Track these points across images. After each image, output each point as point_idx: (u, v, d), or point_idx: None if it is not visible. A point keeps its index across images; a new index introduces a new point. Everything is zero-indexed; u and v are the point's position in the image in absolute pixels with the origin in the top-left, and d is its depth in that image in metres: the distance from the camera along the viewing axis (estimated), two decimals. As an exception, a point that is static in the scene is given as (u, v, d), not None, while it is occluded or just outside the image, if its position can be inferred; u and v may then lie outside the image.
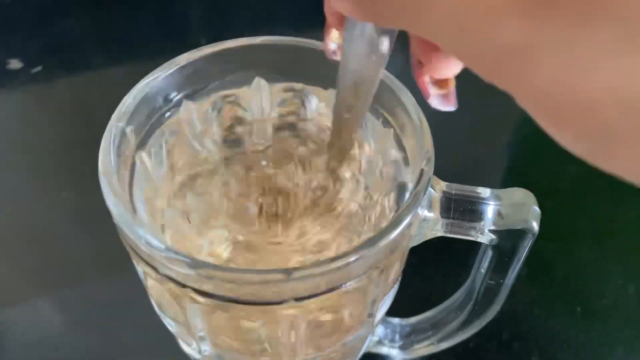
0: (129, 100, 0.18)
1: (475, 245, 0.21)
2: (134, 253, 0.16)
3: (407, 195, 0.17)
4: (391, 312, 0.25)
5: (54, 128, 0.38)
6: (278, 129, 0.22)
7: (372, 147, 0.21)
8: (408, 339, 0.25)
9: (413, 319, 0.25)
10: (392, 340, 0.26)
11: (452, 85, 0.17)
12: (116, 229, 0.16)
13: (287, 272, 0.14)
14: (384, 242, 0.15)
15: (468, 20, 0.10)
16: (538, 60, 0.10)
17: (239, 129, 0.21)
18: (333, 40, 0.18)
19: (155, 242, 0.14)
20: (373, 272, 0.16)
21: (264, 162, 0.22)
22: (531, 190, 0.19)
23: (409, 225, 0.16)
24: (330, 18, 0.16)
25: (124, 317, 0.28)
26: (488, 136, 0.39)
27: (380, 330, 0.26)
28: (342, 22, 0.16)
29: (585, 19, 0.09)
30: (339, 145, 0.19)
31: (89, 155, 0.35)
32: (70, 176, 0.35)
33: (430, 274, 0.30)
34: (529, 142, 0.38)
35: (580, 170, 0.36)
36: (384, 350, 0.26)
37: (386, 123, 0.20)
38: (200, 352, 0.19)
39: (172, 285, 0.15)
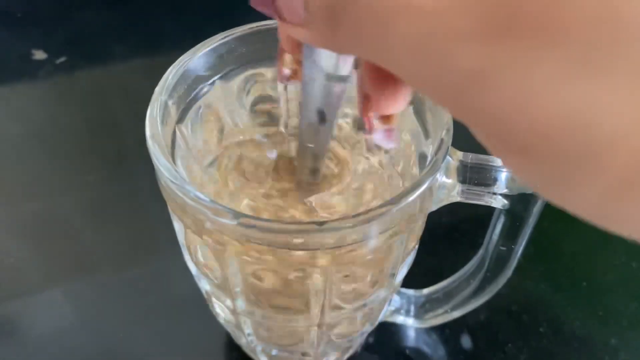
0: (170, 76, 0.19)
1: (484, 222, 0.22)
2: (180, 211, 0.17)
3: (428, 161, 0.18)
4: (406, 285, 0.27)
5: (78, 115, 0.40)
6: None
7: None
8: (422, 309, 0.27)
9: (427, 290, 0.27)
10: (408, 310, 0.27)
11: (396, 122, 0.17)
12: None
13: (320, 223, 0.16)
14: (407, 201, 0.17)
15: (429, 45, 0.10)
16: (495, 85, 0.09)
17: (266, 106, 0.23)
18: (287, 65, 0.18)
19: (202, 196, 0.16)
20: (398, 229, 0.18)
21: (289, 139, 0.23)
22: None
23: (429, 188, 0.18)
24: (284, 43, 0.16)
25: (140, 309, 0.30)
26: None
27: (396, 301, 0.27)
28: (297, 48, 0.15)
29: (543, 43, 0.09)
30: (306, 178, 0.19)
31: (112, 140, 0.37)
32: (94, 160, 0.37)
33: (442, 250, 0.32)
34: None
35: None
36: (400, 319, 0.27)
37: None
38: (234, 309, 0.20)
39: (215, 237, 0.17)
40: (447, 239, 0.33)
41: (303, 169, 0.19)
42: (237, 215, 0.15)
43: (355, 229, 0.16)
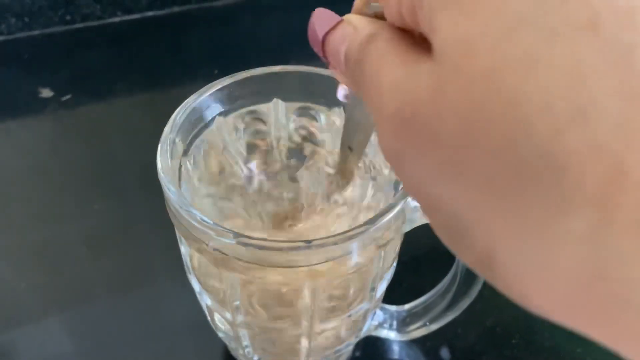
0: (178, 117, 0.22)
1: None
2: (187, 233, 0.20)
3: (400, 188, 0.21)
4: (390, 301, 0.29)
5: (81, 149, 0.42)
6: (293, 143, 0.26)
7: (376, 159, 0.25)
8: (404, 323, 0.29)
9: (407, 306, 0.29)
10: (391, 325, 0.30)
11: None
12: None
13: (308, 242, 0.18)
14: (382, 221, 0.19)
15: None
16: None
17: (260, 142, 0.26)
18: (344, 87, 0.20)
19: (207, 219, 0.19)
20: (376, 246, 0.20)
21: (280, 178, 0.26)
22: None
23: (402, 210, 0.21)
24: (338, 77, 0.17)
25: (138, 336, 0.31)
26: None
27: (379, 316, 0.30)
28: None
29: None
30: (343, 173, 0.22)
31: (112, 172, 0.40)
32: (95, 191, 0.39)
33: (422, 270, 0.34)
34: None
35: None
36: (384, 333, 0.30)
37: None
38: (233, 321, 0.23)
39: (216, 255, 0.19)
40: (427, 259, 0.35)
41: (342, 166, 0.22)
42: (236, 235, 0.18)
43: (338, 246, 0.19)
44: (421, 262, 0.35)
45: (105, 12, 0.51)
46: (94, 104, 0.46)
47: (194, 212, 0.19)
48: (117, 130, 0.44)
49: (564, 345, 0.32)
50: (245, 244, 0.18)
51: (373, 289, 0.23)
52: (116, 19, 0.52)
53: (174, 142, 0.22)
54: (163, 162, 0.20)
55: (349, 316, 0.24)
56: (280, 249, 0.18)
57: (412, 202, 0.22)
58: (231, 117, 0.25)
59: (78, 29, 0.51)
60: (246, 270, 0.20)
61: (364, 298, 0.23)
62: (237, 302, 0.22)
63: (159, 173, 0.20)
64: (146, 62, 0.50)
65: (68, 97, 0.45)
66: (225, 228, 0.18)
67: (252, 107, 0.25)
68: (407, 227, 0.23)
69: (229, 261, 0.19)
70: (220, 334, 0.27)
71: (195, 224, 0.19)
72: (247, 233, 0.18)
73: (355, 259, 0.20)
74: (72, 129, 0.44)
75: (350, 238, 0.19)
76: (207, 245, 0.19)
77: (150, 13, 0.53)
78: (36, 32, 0.50)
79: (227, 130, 0.25)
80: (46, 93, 0.46)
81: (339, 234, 0.19)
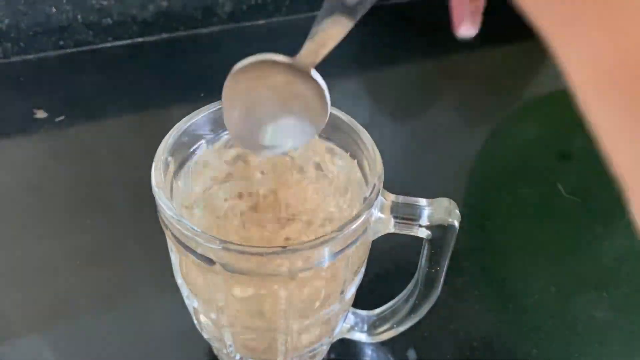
0: (170, 138, 0.25)
1: (418, 254, 0.28)
2: (177, 242, 0.23)
3: (365, 200, 0.24)
4: (362, 307, 0.32)
5: (74, 168, 0.45)
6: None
7: (343, 172, 0.28)
8: (373, 326, 0.32)
9: (376, 310, 0.32)
10: (362, 328, 0.33)
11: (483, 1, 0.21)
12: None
13: (283, 247, 0.21)
14: (349, 228, 0.22)
15: None
16: None
17: (241, 165, 0.29)
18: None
19: (196, 229, 0.21)
20: (344, 254, 0.23)
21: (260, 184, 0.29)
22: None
23: (367, 219, 0.24)
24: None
25: (123, 352, 0.33)
26: (441, 174, 0.47)
27: (351, 319, 0.32)
28: None
29: None
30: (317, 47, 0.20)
31: (102, 191, 0.42)
32: (88, 211, 0.41)
33: (390, 280, 0.37)
34: (473, 176, 0.47)
35: (513, 198, 0.44)
36: (356, 335, 0.33)
37: (353, 156, 0.28)
38: (217, 321, 0.26)
39: (202, 261, 0.22)
40: (396, 271, 0.38)
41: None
42: (222, 241, 0.21)
43: (310, 250, 0.22)
44: (390, 273, 0.38)
45: (96, 38, 0.54)
46: (86, 125, 0.48)
47: (184, 222, 0.22)
48: (107, 150, 0.47)
49: (520, 347, 0.35)
50: (229, 249, 0.21)
51: (342, 292, 0.26)
52: (107, 45, 0.55)
53: (166, 161, 0.25)
54: (157, 177, 0.23)
55: (322, 316, 0.27)
56: (259, 254, 0.21)
57: (377, 213, 0.25)
58: (216, 143, 0.28)
59: (71, 53, 0.54)
60: (229, 275, 0.22)
61: (335, 300, 0.26)
62: (222, 304, 0.24)
63: (153, 187, 0.23)
64: (136, 86, 0.53)
65: (62, 118, 0.48)
66: (212, 235, 0.21)
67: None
68: (374, 236, 0.26)
69: (214, 267, 0.22)
70: (206, 335, 0.29)
71: (186, 232, 0.22)
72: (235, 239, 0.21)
73: (325, 262, 0.23)
74: (65, 149, 0.47)
75: (322, 243, 0.22)
76: (195, 251, 0.22)
77: (139, 39, 0.56)
78: (31, 56, 0.53)
79: (211, 156, 0.28)
80: (41, 114, 0.48)
81: (310, 241, 0.22)
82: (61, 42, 0.54)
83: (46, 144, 0.47)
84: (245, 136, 0.23)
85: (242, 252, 0.21)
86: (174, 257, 0.25)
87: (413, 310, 0.30)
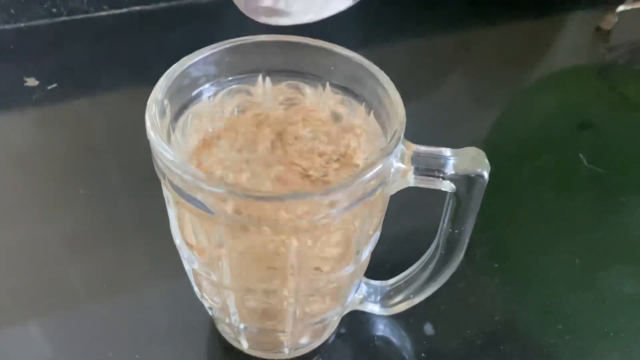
0: (164, 80, 0.23)
1: (439, 217, 0.25)
2: (176, 191, 0.20)
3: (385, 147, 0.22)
4: (375, 277, 0.30)
5: (66, 139, 0.42)
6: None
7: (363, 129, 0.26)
8: (387, 297, 0.30)
9: (391, 280, 0.30)
10: (375, 300, 0.30)
11: None
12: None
13: (293, 193, 0.19)
14: (365, 176, 0.20)
15: None
16: None
17: (247, 110, 0.26)
18: None
19: (199, 173, 0.19)
20: (360, 207, 0.21)
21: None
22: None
23: (387, 168, 0.21)
24: None
25: (123, 339, 0.30)
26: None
27: (363, 290, 0.30)
28: None
29: None
30: None
31: (95, 166, 0.39)
32: (76, 186, 0.38)
33: (404, 251, 0.35)
34: (492, 148, 0.44)
35: (532, 169, 0.42)
36: (368, 307, 0.30)
37: (369, 107, 0.25)
38: (219, 282, 0.23)
39: (204, 210, 0.20)
40: (409, 240, 0.36)
41: None
42: (226, 185, 0.19)
43: (321, 198, 0.19)
44: (404, 243, 0.36)
45: (91, 6, 0.52)
46: (79, 94, 0.46)
47: (184, 165, 0.19)
48: (102, 121, 0.44)
49: (544, 322, 0.32)
50: (234, 193, 0.19)
51: (358, 252, 0.24)
52: (103, 13, 0.53)
53: (162, 104, 0.22)
54: (151, 119, 0.21)
55: (335, 279, 0.24)
56: (266, 198, 0.19)
57: (397, 163, 0.22)
58: (218, 90, 0.26)
59: (64, 22, 0.52)
60: (232, 226, 0.20)
61: (350, 261, 0.24)
62: (224, 261, 0.22)
63: (148, 130, 0.21)
64: (132, 57, 0.50)
65: (54, 86, 0.46)
66: (215, 179, 0.19)
67: (239, 76, 0.26)
68: (392, 190, 0.23)
69: (216, 216, 0.20)
70: (207, 304, 0.27)
71: (185, 176, 0.19)
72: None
73: (338, 215, 0.21)
74: (57, 118, 0.44)
75: (335, 191, 0.19)
76: (195, 199, 0.20)
77: (137, 8, 0.53)
78: (22, 25, 0.51)
79: (213, 104, 0.25)
80: (31, 82, 0.46)
81: (322, 188, 0.19)
82: (54, 10, 0.51)
83: (37, 113, 0.44)
84: None
85: (247, 197, 0.19)
86: (172, 212, 0.23)
87: (432, 277, 0.28)
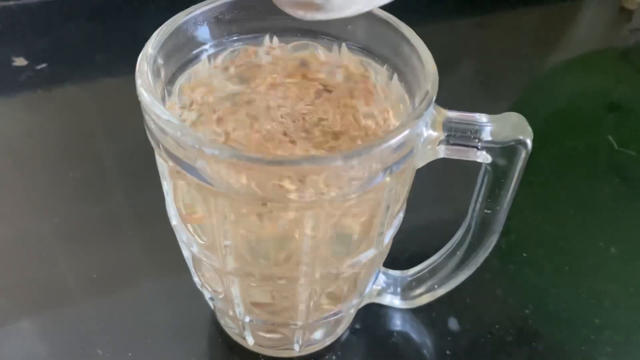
0: (158, 34, 0.20)
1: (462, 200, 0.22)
2: (171, 159, 0.17)
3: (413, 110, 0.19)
4: (392, 267, 0.27)
5: (56, 125, 0.39)
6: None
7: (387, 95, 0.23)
8: (408, 288, 0.27)
9: (412, 270, 0.27)
10: (394, 291, 0.27)
11: None
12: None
13: (304, 157, 0.16)
14: (391, 142, 0.17)
15: None
16: None
17: (252, 72, 0.23)
18: None
19: (200, 135, 0.16)
20: (385, 179, 0.18)
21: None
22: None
23: (415, 135, 0.18)
24: None
25: (120, 339, 0.27)
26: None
27: (382, 281, 0.27)
28: None
29: None
30: None
31: (88, 154, 0.36)
32: (69, 176, 0.35)
33: (425, 240, 0.32)
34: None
35: (560, 152, 0.38)
36: (387, 299, 0.27)
37: (392, 69, 0.22)
38: (223, 269, 0.20)
39: (202, 181, 0.17)
40: (431, 228, 0.33)
41: None
42: (231, 147, 0.16)
43: (338, 165, 0.16)
44: (424, 231, 0.33)
45: (85, -17, 0.49)
46: (71, 74, 0.43)
47: (178, 123, 0.16)
48: (95, 105, 0.41)
49: (580, 315, 0.29)
50: (240, 157, 0.16)
51: (381, 234, 0.21)
52: (97, -9, 0.50)
53: (155, 60, 0.19)
54: (142, 76, 0.18)
55: (354, 265, 0.21)
56: (279, 163, 0.16)
57: (427, 131, 0.19)
58: (220, 50, 0.23)
59: (56, 1, 0.49)
60: (233, 199, 0.17)
61: (371, 243, 0.21)
62: (228, 242, 0.19)
63: (138, 88, 0.18)
64: (128, 36, 0.47)
65: (43, 65, 0.43)
66: (220, 144, 0.16)
67: (244, 36, 0.22)
68: (421, 163, 0.20)
69: (216, 187, 0.17)
70: (208, 295, 0.24)
71: (183, 138, 0.16)
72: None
73: (359, 187, 0.18)
74: (47, 99, 0.41)
75: (356, 155, 0.16)
76: (193, 167, 0.17)
77: (133, -14, 0.50)
78: (11, 3, 0.48)
79: (216, 65, 0.22)
80: (20, 62, 0.43)
81: (339, 152, 0.16)
82: (45, -12, 0.48)
83: (25, 95, 0.41)
84: None
85: (257, 161, 0.16)
86: (168, 186, 0.20)
87: (460, 265, 0.25)
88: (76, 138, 0.38)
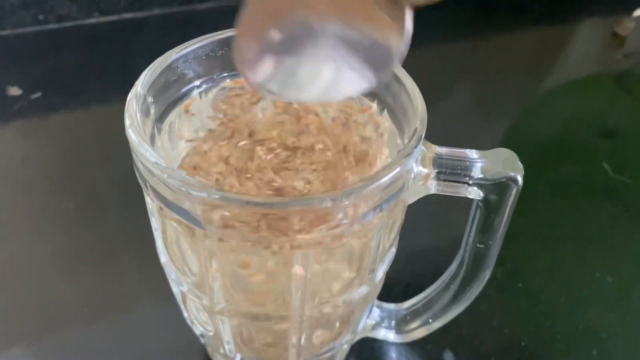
0: (148, 73, 0.20)
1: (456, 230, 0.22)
2: (159, 199, 0.17)
3: (402, 148, 0.19)
4: (387, 299, 0.27)
5: (51, 152, 0.39)
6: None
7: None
8: (403, 322, 0.26)
9: (407, 303, 0.26)
10: (389, 325, 0.27)
11: None
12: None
13: (297, 197, 0.16)
14: (381, 180, 0.17)
15: None
16: None
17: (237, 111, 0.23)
18: None
19: (188, 178, 0.16)
20: (376, 216, 0.18)
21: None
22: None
23: (405, 172, 0.18)
24: None
25: None
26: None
27: (376, 314, 0.27)
28: None
29: None
30: None
31: (83, 181, 0.36)
32: (64, 202, 0.35)
33: (420, 270, 0.32)
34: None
35: (555, 178, 0.38)
36: (381, 333, 0.27)
37: (381, 104, 0.22)
38: (211, 308, 0.20)
39: (191, 222, 0.16)
40: (426, 258, 0.33)
41: None
42: (218, 189, 0.15)
43: (330, 203, 0.16)
44: (419, 261, 0.32)
45: (81, 12, 0.49)
46: (65, 104, 0.43)
47: (167, 167, 0.16)
48: (89, 133, 0.41)
49: (578, 347, 0.29)
50: (229, 199, 0.15)
51: (372, 271, 0.21)
52: (93, 20, 0.50)
53: (144, 99, 0.19)
54: (131, 116, 0.18)
55: (346, 303, 0.21)
56: (267, 204, 0.16)
57: (417, 167, 0.19)
58: (208, 90, 0.23)
59: (52, 29, 0.49)
60: (223, 242, 0.17)
61: (363, 281, 0.20)
62: (217, 283, 0.19)
63: (126, 129, 0.18)
64: (122, 64, 0.47)
65: (38, 95, 0.43)
66: (207, 183, 0.16)
67: (231, 72, 0.22)
68: (411, 199, 0.20)
69: (206, 230, 0.17)
70: (198, 332, 0.24)
71: (170, 180, 0.16)
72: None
73: (350, 226, 0.17)
74: (41, 128, 0.41)
75: (347, 195, 0.16)
76: (181, 208, 0.17)
77: (129, 15, 0.51)
78: (7, 32, 0.48)
79: (203, 104, 0.22)
80: (14, 91, 0.43)
81: (330, 191, 0.16)
82: (41, 17, 0.48)
83: (19, 124, 0.41)
84: (265, 71, 0.17)
85: (246, 203, 0.15)
86: (156, 223, 0.20)
87: (454, 298, 0.24)
88: (71, 165, 0.38)
